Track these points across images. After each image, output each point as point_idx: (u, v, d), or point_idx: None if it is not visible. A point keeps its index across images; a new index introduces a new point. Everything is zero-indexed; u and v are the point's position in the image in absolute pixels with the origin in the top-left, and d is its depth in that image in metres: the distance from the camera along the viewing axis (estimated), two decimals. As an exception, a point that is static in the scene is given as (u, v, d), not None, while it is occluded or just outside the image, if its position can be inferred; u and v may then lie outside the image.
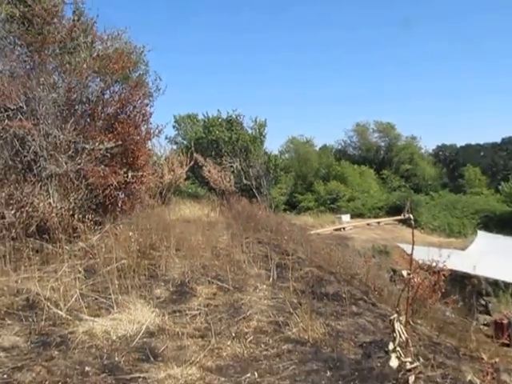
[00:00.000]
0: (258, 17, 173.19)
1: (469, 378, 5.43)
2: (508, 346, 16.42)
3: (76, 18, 14.38)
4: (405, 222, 61.61)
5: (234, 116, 41.00)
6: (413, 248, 3.52)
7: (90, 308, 8.33)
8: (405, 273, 3.34)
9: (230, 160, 36.20)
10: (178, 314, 8.44)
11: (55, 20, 13.76)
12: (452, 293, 13.58)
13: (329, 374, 6.11)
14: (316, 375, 6.08)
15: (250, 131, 40.33)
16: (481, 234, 50.30)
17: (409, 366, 2.89)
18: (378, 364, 6.09)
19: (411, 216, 3.41)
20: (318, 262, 12.76)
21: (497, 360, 4.09)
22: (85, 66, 13.85)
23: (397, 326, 2.95)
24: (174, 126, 51.90)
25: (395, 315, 3.00)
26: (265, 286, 10.09)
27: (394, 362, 2.93)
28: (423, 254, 12.23)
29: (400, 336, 2.93)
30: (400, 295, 5.82)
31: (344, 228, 58.75)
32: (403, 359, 2.92)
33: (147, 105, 16.38)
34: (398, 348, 2.92)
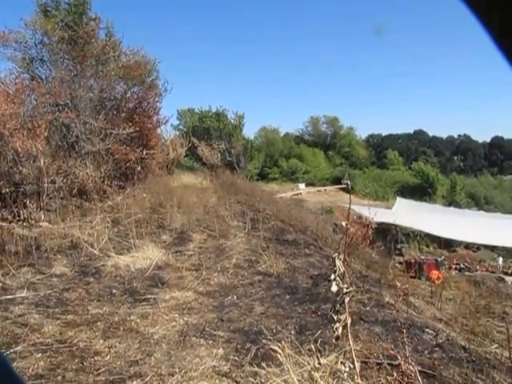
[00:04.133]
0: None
1: (387, 299, 5.53)
2: (415, 277, 16.73)
3: (107, 39, 14.62)
4: (344, 189, 62.12)
5: (221, 110, 42.15)
6: (349, 207, 3.56)
7: (115, 248, 8.37)
8: (343, 223, 3.39)
9: (218, 142, 36.30)
10: (178, 254, 8.49)
11: (93, 40, 14.04)
12: (377, 240, 13.76)
13: (288, 297, 6.20)
14: (278, 298, 6.17)
15: (232, 122, 41.12)
16: (398, 198, 50.90)
17: (345, 291, 2.92)
18: (323, 290, 6.19)
19: (348, 182, 3.42)
20: (281, 218, 12.80)
21: (406, 286, 4.16)
22: (113, 73, 14.28)
23: (337, 262, 2.98)
24: (177, 117, 51.58)
25: (336, 254, 3.03)
26: (242, 234, 10.13)
27: (334, 288, 2.96)
28: (358, 211, 12.36)
29: (339, 269, 2.96)
30: (340, 241, 5.90)
31: (300, 193, 59.05)
32: (341, 286, 2.95)
33: (157, 101, 16.68)
34: (337, 278, 2.96)
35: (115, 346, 4.60)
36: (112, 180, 13.26)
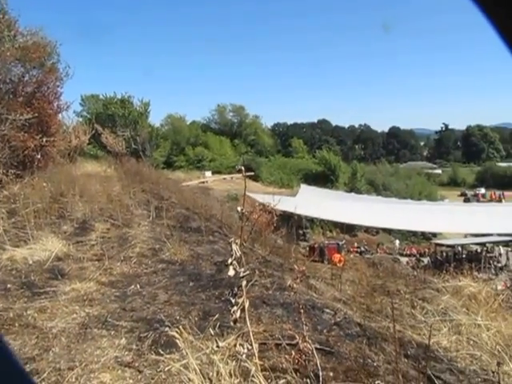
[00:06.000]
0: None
1: (288, 283, 5.68)
2: (318, 261, 17.37)
3: (1, 16, 13.55)
4: (250, 177, 62.86)
5: (126, 97, 41.21)
6: (245, 194, 3.62)
7: (11, 240, 7.91)
8: (239, 208, 3.43)
9: (123, 130, 35.51)
10: (80, 244, 8.20)
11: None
12: (282, 226, 14.03)
13: (191, 284, 6.20)
14: (182, 285, 6.15)
15: (138, 109, 40.38)
16: (303, 186, 52.32)
17: (242, 274, 2.97)
18: (227, 276, 6.24)
19: (243, 168, 3.46)
20: (186, 205, 12.74)
21: (304, 269, 4.29)
22: (8, 54, 13.21)
23: (233, 246, 3.02)
24: (80, 103, 49.69)
25: (232, 239, 3.07)
26: (146, 223, 9.98)
27: (231, 272, 3.00)
28: (262, 199, 12.55)
29: (236, 254, 3.00)
30: (242, 227, 5.98)
31: (207, 181, 59.22)
32: (238, 269, 3.00)
33: (58, 86, 15.89)
34: (234, 262, 3.00)
35: (9, 344, 4.37)
36: (8, 168, 12.45)
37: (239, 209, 3.33)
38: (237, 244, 3.02)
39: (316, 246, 32.82)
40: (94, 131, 26.57)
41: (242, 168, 3.52)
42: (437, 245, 42.20)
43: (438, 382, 3.80)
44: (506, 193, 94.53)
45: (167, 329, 4.26)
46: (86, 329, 4.73)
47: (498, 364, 3.54)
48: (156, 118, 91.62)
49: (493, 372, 4.23)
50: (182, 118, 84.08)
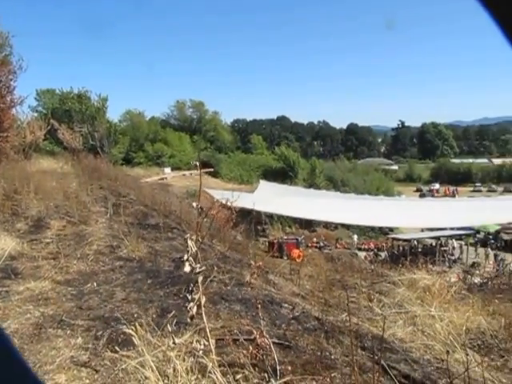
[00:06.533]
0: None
1: (247, 278, 5.69)
2: (278, 257, 17.47)
3: None
4: (209, 173, 62.73)
5: (83, 92, 40.37)
6: (200, 189, 3.59)
7: (-40, 240, 7.64)
8: (194, 204, 3.41)
9: (80, 126, 34.83)
10: (34, 242, 7.99)
11: None
12: (241, 223, 14.05)
13: (149, 281, 6.13)
14: (140, 283, 6.08)
15: (95, 104, 39.66)
16: (262, 182, 52.50)
17: (198, 270, 2.96)
18: (185, 273, 6.20)
19: (198, 164, 3.44)
20: (144, 202, 12.61)
21: (260, 264, 4.30)
22: None
23: (189, 242, 3.00)
24: (35, 98, 48.36)
25: (188, 235, 3.05)
26: (104, 220, 9.82)
27: (187, 268, 2.98)
28: (221, 195, 12.51)
29: (191, 250, 2.99)
30: (200, 223, 5.94)
31: (166, 178, 58.74)
32: (194, 265, 2.98)
33: (11, 79, 15.38)
34: (190, 258, 2.98)
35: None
36: (-42, 165, 12.04)
37: (195, 204, 3.30)
38: (193, 240, 3.00)
39: (275, 241, 33.03)
40: (50, 127, 25.96)
41: (197, 163, 3.49)
42: (393, 239, 43.16)
43: (393, 372, 3.87)
44: (459, 188, 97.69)
45: (124, 327, 4.20)
46: (40, 329, 4.61)
47: (447, 352, 3.64)
48: (114, 114, 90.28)
49: (442, 360, 4.35)
50: (140, 113, 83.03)
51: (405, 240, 40.45)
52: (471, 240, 44.10)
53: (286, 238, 38.14)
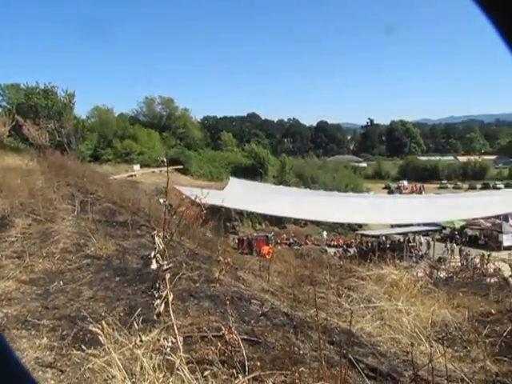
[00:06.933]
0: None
1: (216, 275, 5.68)
2: (248, 253, 17.49)
3: None
4: (179, 170, 62.40)
5: (49, 87, 39.37)
6: (167, 185, 3.57)
7: None
8: (162, 200, 3.39)
9: (46, 122, 34.17)
10: (-2, 241, 7.80)
11: None
12: (211, 220, 14.01)
13: (117, 279, 6.05)
14: (108, 281, 6.00)
15: (62, 100, 38.91)
16: (232, 179, 52.44)
17: (165, 267, 2.93)
18: (153, 270, 6.15)
19: (165, 159, 3.42)
20: (113, 199, 12.43)
21: (229, 260, 4.31)
22: None
23: (156, 239, 2.97)
24: (-1, 93, 47.26)
25: (155, 232, 3.03)
26: (71, 217, 9.63)
27: (154, 265, 2.96)
28: (191, 192, 12.46)
29: (158, 247, 2.96)
30: (169, 220, 5.90)
31: (135, 175, 58.23)
32: (161, 263, 2.96)
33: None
34: (157, 255, 2.95)
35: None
36: None
37: (162, 200, 3.28)
38: (160, 237, 2.98)
39: (245, 238, 33.11)
40: (14, 122, 25.39)
41: (164, 159, 3.46)
42: (362, 235, 43.77)
43: (361, 366, 3.93)
44: (426, 185, 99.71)
45: (91, 326, 4.14)
46: (3, 330, 4.50)
47: (412, 344, 3.72)
48: (82, 110, 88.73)
49: (408, 353, 4.43)
50: (109, 110, 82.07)
51: (373, 236, 41.06)
52: (438, 236, 45.04)
53: (255, 234, 38.26)
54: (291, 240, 42.30)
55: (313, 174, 77.37)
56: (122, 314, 4.71)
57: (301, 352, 4.12)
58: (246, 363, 3.35)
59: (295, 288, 7.25)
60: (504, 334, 5.38)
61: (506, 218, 48.92)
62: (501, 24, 0.95)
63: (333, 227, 51.35)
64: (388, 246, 37.86)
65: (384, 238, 40.53)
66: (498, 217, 46.47)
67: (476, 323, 6.17)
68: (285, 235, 45.02)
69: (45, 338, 4.29)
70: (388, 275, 7.96)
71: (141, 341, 3.00)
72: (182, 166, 66.81)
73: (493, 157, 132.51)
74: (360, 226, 49.94)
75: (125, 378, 2.80)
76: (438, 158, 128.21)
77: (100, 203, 11.40)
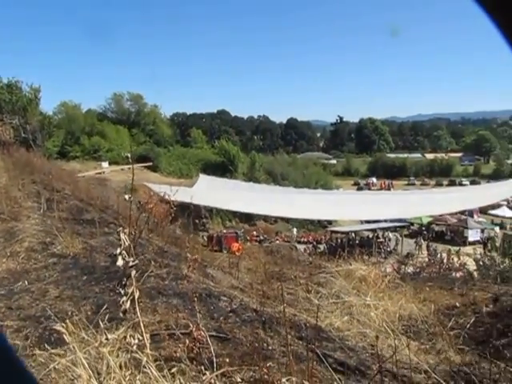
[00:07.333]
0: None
1: (184, 271, 5.66)
2: (217, 251, 17.46)
3: None
4: (148, 167, 61.93)
5: (13, 81, 38.27)
6: (132, 182, 3.53)
7: None
8: (127, 196, 3.36)
9: (11, 117, 33.33)
10: (-45, 243, 7.59)
11: None
12: (181, 217, 13.94)
13: (85, 277, 5.96)
14: (75, 279, 5.90)
15: (27, 95, 37.97)
16: (202, 176, 52.23)
17: (131, 264, 2.91)
18: (121, 268, 6.08)
19: (129, 155, 3.39)
20: (80, 197, 12.25)
21: (197, 257, 4.29)
22: None
23: (122, 236, 2.94)
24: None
25: (120, 228, 2.99)
26: (36, 216, 9.43)
27: (119, 262, 2.93)
28: (160, 189, 12.37)
29: (124, 243, 2.93)
30: (138, 217, 5.85)
31: (104, 172, 57.45)
32: (127, 259, 2.93)
33: None
34: (123, 252, 2.92)
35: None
36: None
37: (127, 197, 3.25)
38: (126, 233, 2.95)
39: (215, 235, 33.02)
40: (-27, 118, 24.77)
41: (129, 155, 3.43)
42: (332, 232, 44.20)
43: (329, 360, 3.97)
44: (395, 182, 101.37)
45: (57, 325, 4.07)
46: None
47: (377, 337, 3.78)
48: (48, 106, 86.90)
49: (372, 346, 4.51)
50: (76, 106, 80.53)
51: (343, 232, 41.51)
52: (406, 232, 45.80)
53: (225, 231, 38.21)
54: (261, 237, 42.37)
55: (283, 171, 77.59)
56: (89, 313, 4.65)
57: (270, 348, 4.14)
58: (215, 360, 3.35)
59: (265, 284, 7.26)
60: (467, 326, 5.53)
61: (471, 213, 50.40)
62: (503, 24, 0.97)
63: (303, 224, 51.65)
64: (357, 242, 38.33)
65: (353, 234, 40.99)
66: (463, 213, 47.73)
67: (441, 316, 6.33)
68: (255, 232, 45.08)
69: (8, 340, 4.20)
70: (357, 271, 8.08)
71: (107, 339, 2.96)
72: (151, 163, 66.25)
73: (459, 154, 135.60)
74: (330, 222, 50.37)
75: (90, 376, 2.77)
76: (406, 155, 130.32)
77: (67, 201, 11.21)
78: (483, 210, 56.49)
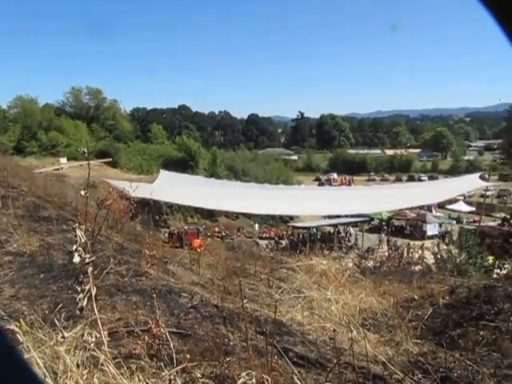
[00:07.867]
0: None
1: (145, 269, 5.61)
2: (178, 247, 17.35)
3: None
4: (108, 163, 60.98)
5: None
6: (88, 178, 3.48)
7: None
8: (83, 192, 3.31)
9: (-37, 112, 32.33)
10: None
11: None
12: (142, 213, 13.79)
13: (42, 276, 5.83)
14: (31, 278, 5.76)
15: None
16: (162, 171, 51.72)
17: (87, 260, 2.86)
18: (79, 265, 5.97)
19: (86, 150, 3.35)
20: (37, 194, 11.93)
21: (155, 252, 4.26)
22: None
23: (78, 232, 2.90)
24: None
25: (76, 224, 2.95)
26: (-10, 214, 9.16)
27: (76, 259, 2.88)
28: (121, 186, 12.21)
29: (80, 240, 2.88)
30: (97, 214, 5.76)
31: (62, 168, 56.32)
32: (83, 256, 2.88)
33: None
34: (79, 248, 2.88)
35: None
36: None
37: (83, 193, 3.20)
38: (82, 230, 2.90)
39: (176, 231, 32.81)
40: None
41: (85, 150, 3.38)
42: (294, 227, 44.57)
43: (290, 354, 4.01)
44: (355, 177, 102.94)
45: (12, 325, 3.97)
46: None
47: (334, 331, 3.85)
48: (3, 100, 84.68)
49: (330, 338, 4.58)
50: (33, 100, 78.57)
51: (304, 228, 41.86)
52: (366, 227, 46.58)
53: (186, 228, 38.02)
54: (223, 233, 42.32)
55: (244, 166, 77.64)
56: (46, 312, 4.54)
57: (231, 343, 4.15)
58: (174, 356, 3.33)
59: (226, 280, 7.27)
60: (425, 318, 5.68)
61: (429, 208, 51.65)
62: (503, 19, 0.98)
63: (265, 220, 51.87)
64: (319, 237, 38.71)
65: (315, 229, 41.41)
66: (422, 207, 48.89)
67: (400, 309, 6.48)
68: (217, 228, 45.00)
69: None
70: (318, 266, 8.17)
71: (63, 337, 2.91)
72: (111, 159, 65.24)
73: (417, 150, 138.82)
74: (291, 218, 50.78)
75: (45, 376, 2.71)
76: (366, 151, 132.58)
77: (23, 198, 10.89)
78: (441, 205, 57.87)
